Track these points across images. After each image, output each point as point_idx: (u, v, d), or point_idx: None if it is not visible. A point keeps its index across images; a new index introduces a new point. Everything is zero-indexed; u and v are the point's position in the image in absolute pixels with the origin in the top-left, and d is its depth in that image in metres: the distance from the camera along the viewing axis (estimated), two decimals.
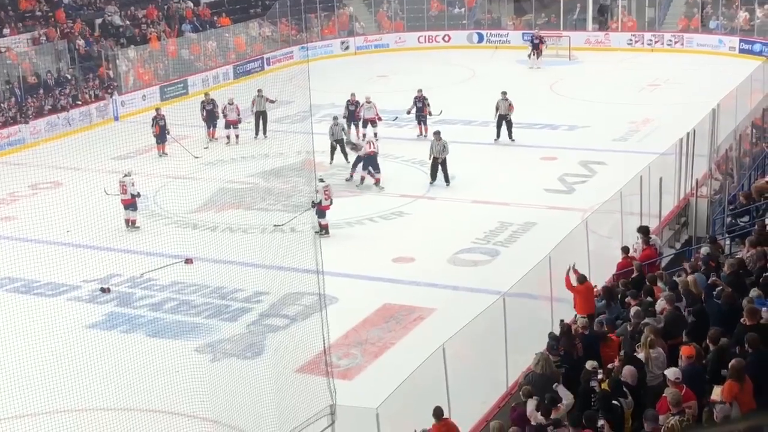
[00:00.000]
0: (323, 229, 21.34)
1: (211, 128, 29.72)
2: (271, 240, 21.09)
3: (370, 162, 24.63)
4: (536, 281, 15.20)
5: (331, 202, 21.53)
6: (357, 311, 17.80)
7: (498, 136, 28.33)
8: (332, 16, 44.97)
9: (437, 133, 24.72)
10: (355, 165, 25.01)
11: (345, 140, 26.30)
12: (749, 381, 10.15)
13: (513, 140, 28.17)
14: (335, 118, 26.65)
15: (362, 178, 24.84)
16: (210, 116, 29.63)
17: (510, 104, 28.00)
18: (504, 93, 28.13)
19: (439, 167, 24.49)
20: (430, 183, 24.56)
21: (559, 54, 41.27)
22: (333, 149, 26.38)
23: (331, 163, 26.18)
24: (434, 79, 36.44)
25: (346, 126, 27.43)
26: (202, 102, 29.97)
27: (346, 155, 26.05)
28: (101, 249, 20.99)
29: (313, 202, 21.41)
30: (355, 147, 25.32)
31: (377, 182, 24.69)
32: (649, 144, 26.71)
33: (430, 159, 24.69)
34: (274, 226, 21.97)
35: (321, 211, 21.37)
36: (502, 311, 13.52)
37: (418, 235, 21.63)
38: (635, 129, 29.53)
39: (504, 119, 28.14)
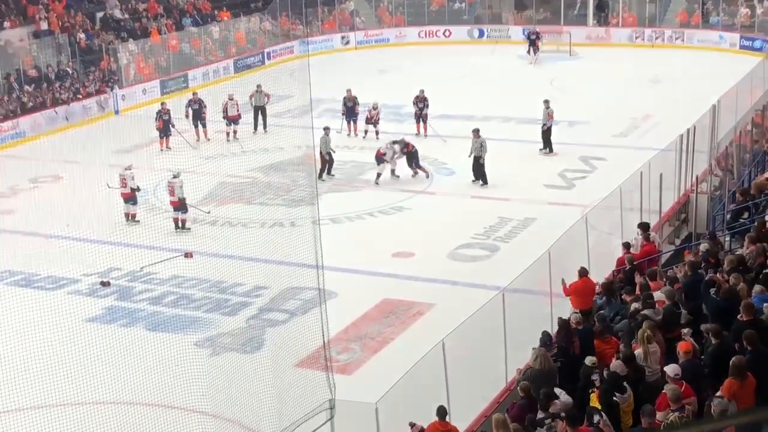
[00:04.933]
0: (130, 217, 22.13)
1: (197, 128, 28.66)
2: (270, 234, 21.11)
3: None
4: (536, 277, 15.23)
5: (138, 189, 22.09)
6: (356, 306, 17.82)
7: (545, 146, 26.76)
8: (333, 10, 44.94)
9: (476, 131, 24.13)
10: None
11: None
12: (752, 378, 10.13)
13: (554, 152, 26.64)
14: (326, 128, 25.36)
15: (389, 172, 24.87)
16: (195, 116, 28.68)
17: (550, 113, 26.43)
18: (547, 102, 26.62)
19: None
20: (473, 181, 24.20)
21: (559, 49, 41.22)
22: (325, 162, 25.00)
23: (322, 178, 24.76)
24: (435, 74, 36.39)
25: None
26: (189, 101, 29.06)
27: (330, 168, 25.27)
28: (101, 243, 20.95)
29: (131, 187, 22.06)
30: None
31: (392, 172, 24.88)
32: (649, 140, 26.70)
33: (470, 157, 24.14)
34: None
35: (126, 198, 22.05)
36: (502, 307, 13.55)
37: (417, 231, 21.63)
38: (635, 125, 29.51)
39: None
